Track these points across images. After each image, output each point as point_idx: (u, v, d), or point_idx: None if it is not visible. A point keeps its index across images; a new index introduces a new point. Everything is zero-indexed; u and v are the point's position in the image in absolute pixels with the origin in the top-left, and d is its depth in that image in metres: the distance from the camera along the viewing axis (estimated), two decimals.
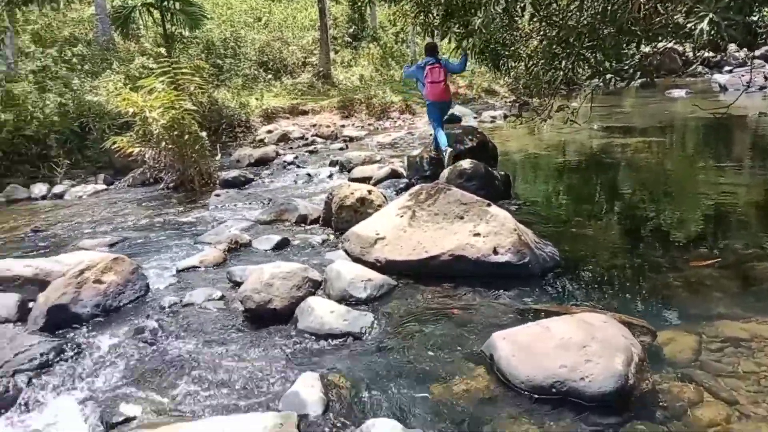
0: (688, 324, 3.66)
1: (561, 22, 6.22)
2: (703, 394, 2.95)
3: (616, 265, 4.79)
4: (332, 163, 9.96)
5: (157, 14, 14.22)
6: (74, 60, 15.01)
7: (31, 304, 4.31)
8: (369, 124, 15.38)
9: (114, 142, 8.78)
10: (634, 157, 9.50)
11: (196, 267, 5.08)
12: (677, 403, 2.89)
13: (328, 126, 14.24)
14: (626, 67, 6.43)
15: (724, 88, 17.35)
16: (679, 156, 10.00)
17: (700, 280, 4.30)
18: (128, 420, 2.94)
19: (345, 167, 9.41)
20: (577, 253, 5.09)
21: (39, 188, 9.04)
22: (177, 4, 14.07)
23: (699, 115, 12.52)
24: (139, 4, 14.18)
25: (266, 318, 3.97)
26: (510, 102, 16.95)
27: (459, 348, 3.48)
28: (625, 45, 5.97)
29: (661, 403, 2.89)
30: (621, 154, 9.84)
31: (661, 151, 10.01)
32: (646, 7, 5.14)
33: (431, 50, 7.83)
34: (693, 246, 5.13)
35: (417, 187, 5.58)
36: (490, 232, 4.66)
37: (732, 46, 18.85)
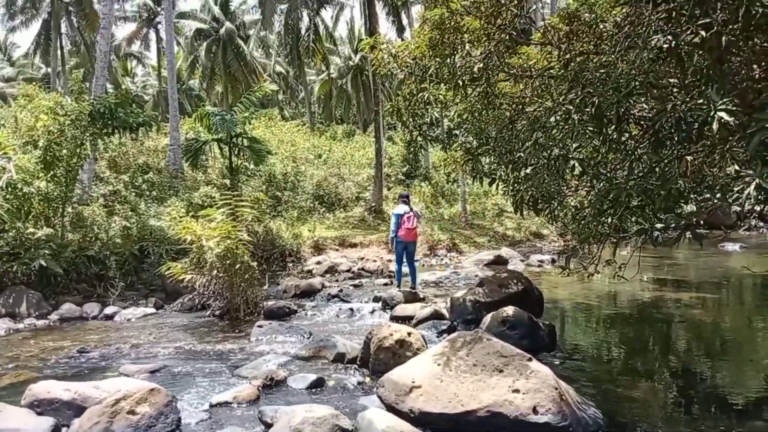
0: None
1: (609, 176, 6.33)
2: None
3: None
4: (376, 299, 10.00)
5: (225, 149, 15.33)
6: (144, 186, 16.05)
7: (64, 430, 4.35)
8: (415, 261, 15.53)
9: (168, 268, 9.11)
10: (687, 312, 9.19)
11: (229, 403, 5.05)
12: None
13: (374, 260, 14.44)
14: (673, 225, 6.41)
15: None
16: (735, 315, 9.60)
17: None
18: None
19: (388, 304, 9.41)
20: (622, 416, 4.84)
21: (91, 308, 9.32)
22: (245, 141, 15.19)
23: (756, 271, 12.17)
24: (210, 140, 15.39)
25: None
26: (558, 248, 16.94)
27: None
28: (673, 204, 5.99)
29: None
30: (673, 309, 9.53)
31: (715, 309, 9.66)
32: (693, 164, 5.20)
33: (406, 199, 10.30)
34: (750, 415, 4.80)
35: (455, 334, 5.53)
36: (530, 389, 4.51)
37: None
